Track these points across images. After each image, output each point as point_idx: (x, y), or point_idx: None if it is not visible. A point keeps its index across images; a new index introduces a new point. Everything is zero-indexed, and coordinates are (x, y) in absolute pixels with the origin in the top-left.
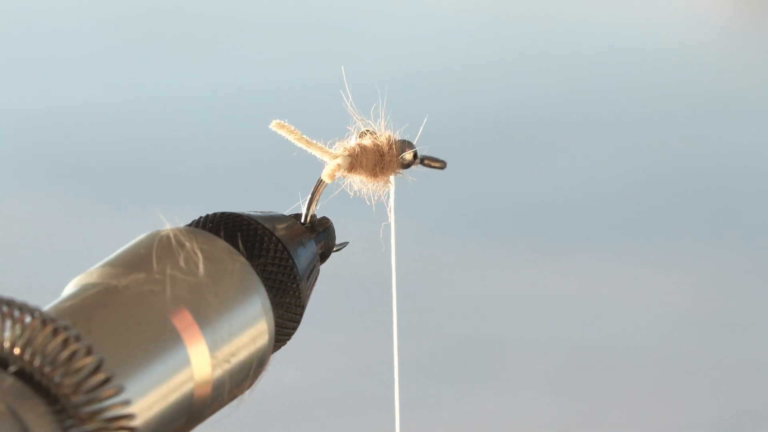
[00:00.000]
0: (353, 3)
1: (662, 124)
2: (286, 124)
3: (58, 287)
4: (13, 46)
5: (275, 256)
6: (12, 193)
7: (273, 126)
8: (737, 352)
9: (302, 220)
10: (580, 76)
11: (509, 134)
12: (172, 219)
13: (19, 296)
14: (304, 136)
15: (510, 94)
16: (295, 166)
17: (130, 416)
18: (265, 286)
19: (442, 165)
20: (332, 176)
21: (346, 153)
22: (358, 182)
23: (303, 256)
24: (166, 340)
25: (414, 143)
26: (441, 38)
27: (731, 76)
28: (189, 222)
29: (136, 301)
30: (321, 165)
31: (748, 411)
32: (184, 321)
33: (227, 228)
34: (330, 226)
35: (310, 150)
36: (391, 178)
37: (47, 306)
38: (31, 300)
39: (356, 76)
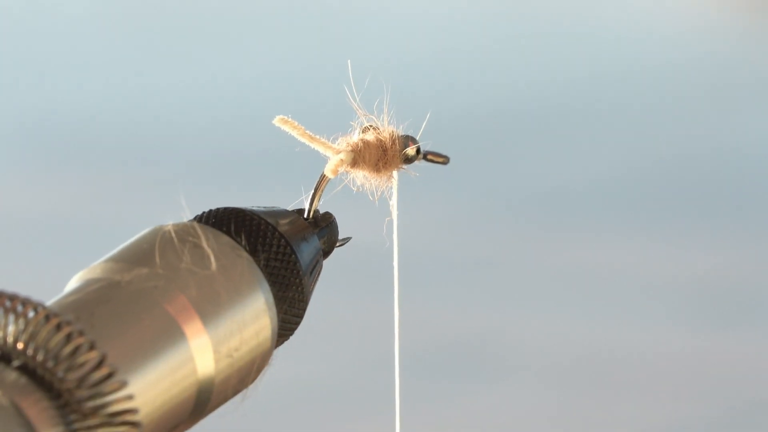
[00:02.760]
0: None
1: (667, 113)
2: (290, 119)
3: (65, 275)
4: (24, 39)
5: (278, 251)
6: (17, 179)
7: (276, 121)
8: (745, 346)
9: (305, 216)
10: (583, 67)
11: (513, 128)
12: (178, 214)
13: (32, 287)
14: (308, 131)
15: (514, 88)
16: (298, 161)
17: (133, 410)
18: (268, 281)
19: (445, 160)
20: (335, 171)
21: (349, 148)
22: (361, 177)
23: (306, 251)
24: (169, 334)
25: (417, 138)
26: (444, 32)
27: (734, 64)
28: (192, 217)
29: (139, 296)
30: (324, 160)
31: (755, 403)
32: (187, 316)
33: (230, 223)
34: (333, 221)
35: (313, 145)
36: (394, 173)
37: (50, 301)
38: (40, 292)
39: (360, 71)
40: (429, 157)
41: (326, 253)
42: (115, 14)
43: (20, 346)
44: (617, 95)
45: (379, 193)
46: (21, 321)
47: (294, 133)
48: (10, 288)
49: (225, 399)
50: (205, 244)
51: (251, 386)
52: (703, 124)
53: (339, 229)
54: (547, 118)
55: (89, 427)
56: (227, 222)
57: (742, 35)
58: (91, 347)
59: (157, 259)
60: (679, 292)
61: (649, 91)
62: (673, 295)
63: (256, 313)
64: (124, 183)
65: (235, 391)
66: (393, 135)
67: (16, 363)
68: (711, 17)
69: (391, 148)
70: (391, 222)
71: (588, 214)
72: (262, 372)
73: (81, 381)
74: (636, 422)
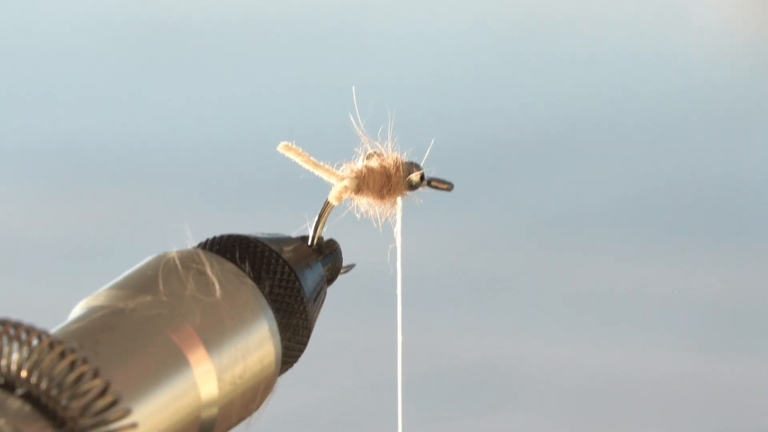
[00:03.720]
0: (363, 24)
1: (678, 137)
2: (294, 146)
3: (69, 300)
4: (31, 65)
5: (282, 278)
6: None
7: (280, 148)
8: (759, 371)
9: (309, 243)
10: (590, 92)
11: (518, 153)
12: (182, 241)
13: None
14: (312, 158)
15: (519, 113)
16: (302, 188)
17: None
18: (272, 308)
19: (449, 187)
20: (339, 198)
21: (353, 175)
22: (365, 204)
23: (310, 278)
24: (173, 362)
25: (421, 165)
26: (449, 60)
27: (744, 89)
28: (196, 244)
29: (143, 323)
30: (328, 187)
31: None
32: (191, 343)
33: (234, 250)
34: (337, 248)
35: (317, 172)
36: (399, 199)
37: (54, 328)
38: (45, 318)
39: (364, 98)
40: (433, 183)
41: (330, 280)
42: (122, 40)
43: (24, 374)
44: (625, 120)
45: (383, 220)
46: (25, 349)
47: (298, 160)
48: (14, 315)
49: (229, 426)
50: (209, 271)
51: (255, 413)
52: (715, 148)
53: (343, 255)
54: (554, 142)
55: None
56: (231, 249)
57: (752, 60)
58: (95, 375)
59: (161, 287)
60: (690, 316)
61: (658, 115)
62: (683, 319)
63: (260, 340)
64: (128, 208)
65: (239, 419)
66: (397, 161)
67: (20, 391)
68: (722, 43)
69: (395, 174)
70: (395, 248)
71: (595, 239)
72: (266, 399)
73: (85, 409)
74: None
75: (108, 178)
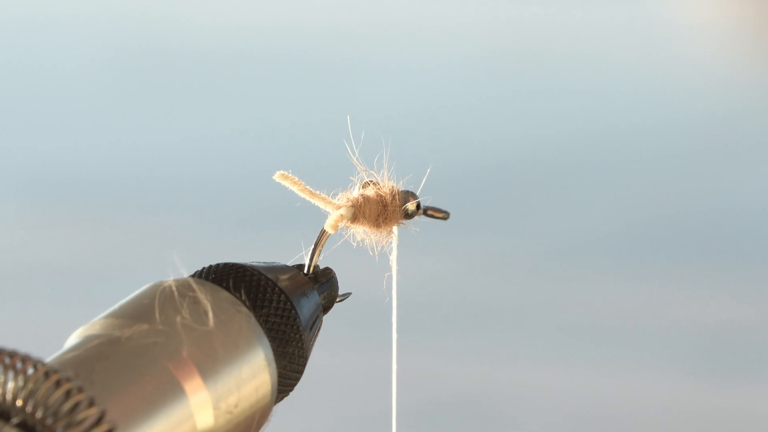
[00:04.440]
0: (359, 55)
1: (673, 168)
2: (290, 175)
3: (65, 328)
4: (29, 93)
5: (278, 306)
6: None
7: (277, 177)
8: (758, 400)
9: (305, 271)
10: (587, 123)
11: (514, 183)
12: (177, 270)
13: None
14: (308, 186)
15: (515, 143)
16: (298, 217)
17: None
18: (268, 336)
19: (445, 216)
20: (335, 227)
21: (350, 204)
22: (362, 233)
23: (306, 306)
24: (169, 391)
25: (417, 194)
26: (444, 89)
27: (741, 120)
28: (192, 273)
29: (139, 352)
30: (324, 215)
31: None
32: (186, 372)
33: (230, 278)
34: (333, 276)
35: (314, 201)
36: (395, 228)
37: (50, 357)
38: (41, 346)
39: (360, 127)
40: (429, 212)
41: (326, 308)
42: (117, 68)
43: (19, 403)
44: (621, 151)
45: (379, 249)
46: (20, 378)
47: (294, 189)
48: (9, 343)
49: None
50: (204, 300)
51: None
52: (713, 178)
53: (339, 284)
54: (550, 173)
55: None
56: (227, 277)
57: (748, 91)
58: (91, 403)
59: (157, 315)
60: (687, 344)
61: (655, 146)
62: (680, 347)
63: (255, 369)
64: (124, 236)
65: None
66: (393, 190)
67: (15, 420)
68: (716, 73)
69: (392, 203)
70: (390, 277)
71: (591, 268)
72: (262, 428)
73: None
74: None
75: (103, 206)
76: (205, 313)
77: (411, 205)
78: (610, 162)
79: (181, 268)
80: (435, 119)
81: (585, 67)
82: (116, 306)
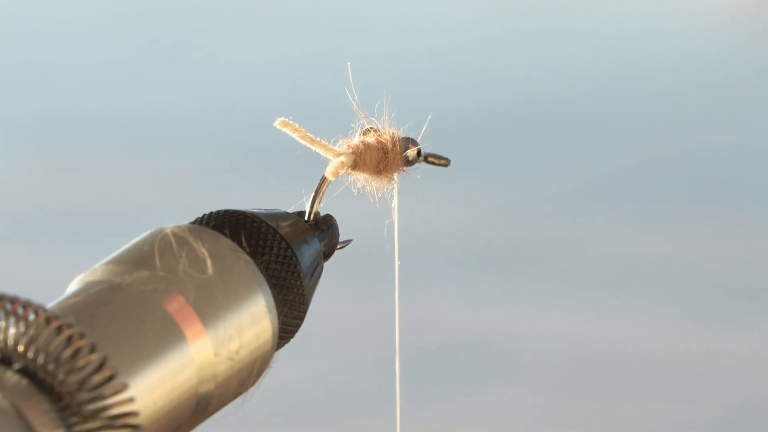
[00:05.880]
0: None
1: (673, 113)
2: (291, 121)
3: (66, 274)
4: (32, 40)
5: (279, 253)
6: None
7: (277, 124)
8: (756, 342)
9: (306, 218)
10: (591, 63)
11: (515, 126)
12: (173, 217)
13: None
14: (308, 133)
15: (515, 90)
16: (299, 163)
17: (134, 413)
18: (269, 283)
19: (446, 162)
20: (336, 174)
21: (350, 150)
22: (362, 180)
23: (306, 253)
24: (170, 337)
25: (418, 141)
26: (445, 35)
27: (747, 59)
28: (192, 219)
29: (140, 298)
30: (325, 162)
31: (757, 405)
32: (187, 318)
33: (231, 225)
34: (334, 223)
35: (314, 147)
36: (395, 175)
37: (51, 303)
38: (42, 293)
39: (360, 73)
40: (430, 159)
41: (327, 255)
42: (117, 15)
43: (21, 348)
44: (627, 92)
45: (380, 196)
46: (22, 324)
47: (295, 136)
48: (10, 290)
49: (226, 402)
50: (204, 247)
51: (252, 389)
52: (723, 116)
53: (340, 231)
54: (552, 115)
55: (90, 430)
56: (227, 224)
57: (752, 29)
58: (92, 350)
59: (158, 262)
60: (692, 287)
61: (661, 86)
62: (685, 290)
63: (256, 316)
64: (124, 183)
65: (236, 394)
66: (394, 137)
67: (16, 366)
68: (721, 14)
69: (392, 150)
70: (392, 224)
71: (593, 211)
72: (263, 374)
73: (82, 384)
74: (641, 424)
75: (104, 152)
76: (205, 260)
77: (411, 152)
78: (616, 104)
79: (183, 214)
80: (435, 65)
81: (594, 3)
82: (117, 253)
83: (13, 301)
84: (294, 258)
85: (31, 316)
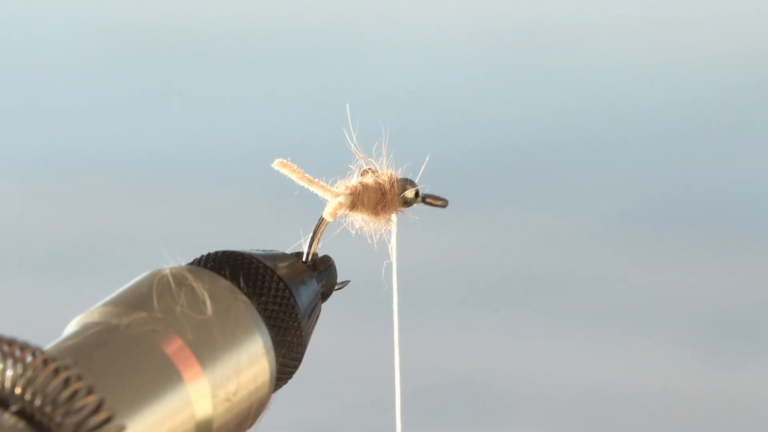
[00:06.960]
0: (358, 41)
1: (674, 153)
2: (289, 162)
3: (63, 315)
4: (31, 84)
5: (277, 294)
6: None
7: (275, 165)
8: (758, 380)
9: (304, 259)
10: (587, 105)
11: (515, 170)
12: (175, 257)
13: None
14: (306, 174)
15: (515, 131)
16: (297, 204)
17: None
18: (267, 324)
19: (443, 203)
20: (334, 215)
21: (348, 191)
22: (360, 220)
23: (304, 294)
24: (168, 378)
25: (416, 181)
26: (444, 76)
27: (737, 100)
28: (190, 261)
29: (138, 340)
30: (323, 203)
31: None
32: (185, 359)
33: (229, 266)
34: (332, 264)
35: (312, 188)
36: (393, 216)
37: (48, 345)
38: (40, 334)
39: (359, 114)
40: (428, 200)
41: (325, 296)
42: (119, 50)
43: (18, 390)
44: (624, 132)
45: (378, 236)
46: (19, 366)
47: (293, 176)
48: (9, 330)
49: None
50: (202, 288)
51: (250, 430)
52: (725, 158)
53: (338, 272)
54: (552, 155)
55: None
56: (225, 265)
57: (747, 71)
58: (89, 391)
59: (156, 303)
60: (690, 324)
61: (662, 126)
62: (683, 327)
63: (254, 357)
64: (124, 223)
65: None
66: (392, 178)
67: (13, 408)
68: (716, 53)
69: (390, 191)
70: (390, 264)
71: (590, 249)
72: (261, 416)
73: (79, 426)
74: None
75: (104, 190)
76: (204, 301)
77: (409, 193)
78: (614, 143)
79: (172, 260)
80: (435, 106)
81: (587, 47)
82: (114, 294)
83: (11, 342)
84: (292, 299)
85: (29, 358)
